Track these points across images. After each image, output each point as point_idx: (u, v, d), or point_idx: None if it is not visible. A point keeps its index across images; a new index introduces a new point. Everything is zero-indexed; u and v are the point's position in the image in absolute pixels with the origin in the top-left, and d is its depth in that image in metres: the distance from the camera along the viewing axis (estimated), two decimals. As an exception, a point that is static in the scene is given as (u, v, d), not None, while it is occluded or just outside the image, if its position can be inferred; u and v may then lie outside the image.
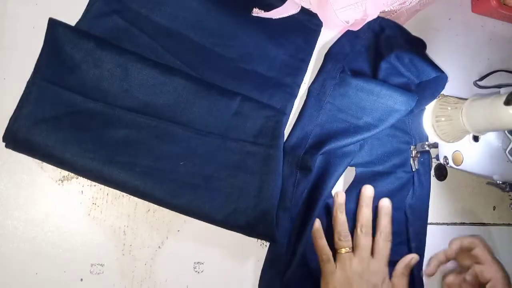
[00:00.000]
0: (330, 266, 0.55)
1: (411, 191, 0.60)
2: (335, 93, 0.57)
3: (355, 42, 0.60)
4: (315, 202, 0.54)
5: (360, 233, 0.56)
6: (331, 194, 0.58)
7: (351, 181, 0.60)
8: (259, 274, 0.56)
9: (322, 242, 0.56)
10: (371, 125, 0.56)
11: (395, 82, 0.58)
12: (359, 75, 0.58)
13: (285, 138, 0.57)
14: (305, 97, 0.59)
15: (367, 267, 0.54)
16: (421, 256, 0.60)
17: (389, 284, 0.55)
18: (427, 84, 0.58)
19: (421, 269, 0.60)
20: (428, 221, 0.62)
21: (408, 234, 0.59)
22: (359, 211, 0.57)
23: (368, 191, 0.57)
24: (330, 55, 0.59)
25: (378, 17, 0.60)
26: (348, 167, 0.58)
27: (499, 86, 0.58)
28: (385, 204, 0.58)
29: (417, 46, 0.61)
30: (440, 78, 0.57)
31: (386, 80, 0.58)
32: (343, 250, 0.55)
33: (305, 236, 0.53)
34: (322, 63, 0.59)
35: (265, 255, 0.56)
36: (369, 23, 0.59)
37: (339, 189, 0.60)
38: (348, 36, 0.60)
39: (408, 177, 0.61)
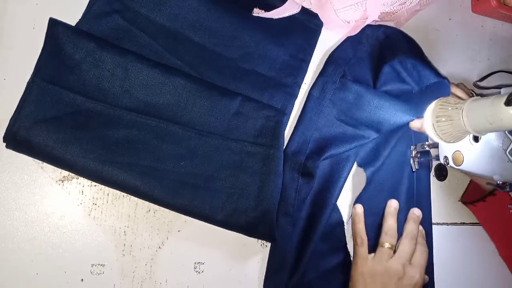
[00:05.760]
0: (363, 250, 0.55)
1: (414, 192, 0.60)
2: (335, 97, 0.57)
3: (358, 47, 0.60)
4: (321, 210, 0.54)
5: (405, 239, 0.56)
6: (337, 205, 0.58)
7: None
8: (259, 275, 0.56)
9: (360, 226, 0.56)
10: (368, 132, 0.57)
11: (396, 87, 0.58)
12: (360, 82, 0.58)
13: (285, 140, 0.57)
14: (305, 99, 0.59)
15: (402, 270, 0.54)
16: (429, 256, 0.60)
17: None
18: (431, 90, 0.57)
19: (432, 269, 0.60)
20: (429, 221, 0.62)
21: None
22: (407, 222, 0.58)
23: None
24: (332, 59, 0.59)
25: (382, 25, 0.60)
26: (358, 168, 0.58)
27: (499, 87, 0.58)
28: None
29: (421, 54, 0.60)
30: (443, 84, 0.57)
31: (387, 84, 0.58)
32: (386, 245, 0.56)
33: (311, 244, 0.53)
34: (323, 66, 0.59)
35: (265, 255, 0.56)
36: (373, 30, 0.59)
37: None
38: (351, 41, 0.60)
39: (409, 176, 0.61)
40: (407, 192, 0.60)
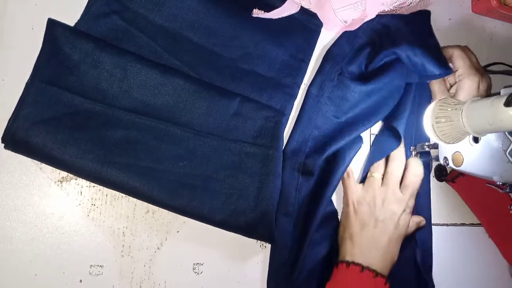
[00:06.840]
0: (350, 181, 0.57)
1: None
2: (333, 95, 0.57)
3: (354, 41, 0.59)
4: (318, 205, 0.54)
5: (391, 163, 0.57)
6: (332, 202, 0.58)
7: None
8: (259, 275, 0.56)
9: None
10: (365, 122, 0.57)
11: (388, 59, 0.58)
12: (356, 78, 0.58)
13: (284, 140, 0.57)
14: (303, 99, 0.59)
15: (392, 194, 0.55)
16: (429, 257, 0.60)
17: (408, 216, 0.56)
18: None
19: (431, 270, 0.60)
20: (428, 222, 0.62)
21: (415, 236, 0.59)
22: (394, 153, 0.58)
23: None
24: (329, 56, 0.59)
25: (376, 15, 0.59)
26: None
27: (504, 72, 0.57)
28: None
29: (425, 37, 0.60)
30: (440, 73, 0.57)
31: (381, 60, 0.57)
32: (375, 174, 0.56)
33: (308, 237, 0.53)
34: (321, 64, 0.59)
35: (264, 256, 0.56)
36: (368, 22, 0.59)
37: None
38: (347, 36, 0.60)
39: None
40: None
